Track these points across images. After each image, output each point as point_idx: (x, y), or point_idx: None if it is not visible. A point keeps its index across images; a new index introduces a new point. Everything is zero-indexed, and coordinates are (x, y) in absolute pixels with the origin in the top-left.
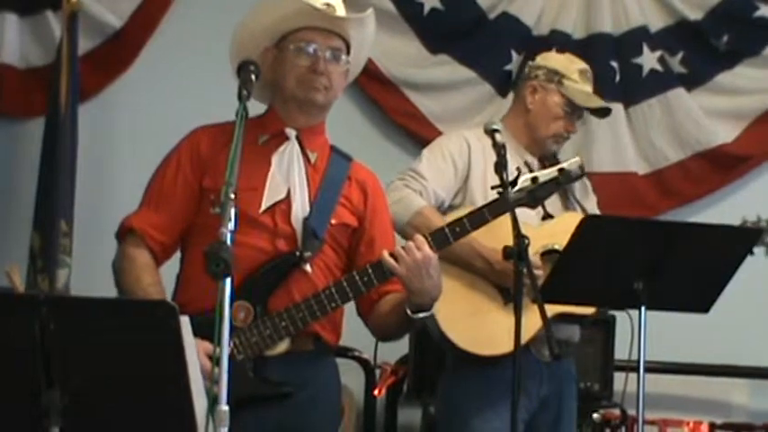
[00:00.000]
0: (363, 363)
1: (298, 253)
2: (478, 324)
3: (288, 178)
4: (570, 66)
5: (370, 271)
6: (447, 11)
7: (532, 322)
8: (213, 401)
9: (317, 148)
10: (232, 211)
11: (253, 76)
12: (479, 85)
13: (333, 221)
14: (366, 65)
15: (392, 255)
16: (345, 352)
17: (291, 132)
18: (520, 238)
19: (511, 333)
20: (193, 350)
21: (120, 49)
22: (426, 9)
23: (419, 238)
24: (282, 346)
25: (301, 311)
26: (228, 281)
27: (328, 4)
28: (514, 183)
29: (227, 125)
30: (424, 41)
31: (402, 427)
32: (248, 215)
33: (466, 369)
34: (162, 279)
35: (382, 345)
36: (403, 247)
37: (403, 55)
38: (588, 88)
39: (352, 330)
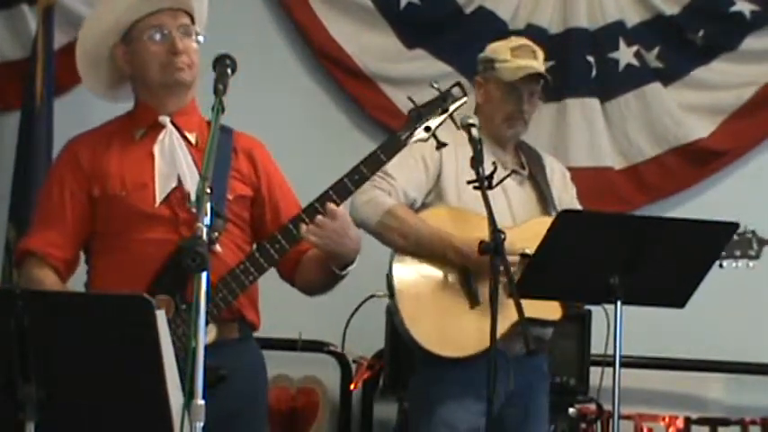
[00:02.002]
0: (339, 357)
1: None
2: (445, 326)
3: (175, 165)
4: (502, 47)
5: (279, 237)
6: (423, 5)
7: (503, 321)
8: (189, 396)
9: (194, 128)
10: (208, 206)
11: (229, 70)
12: (455, 80)
13: (230, 197)
14: (342, 59)
15: (312, 234)
16: (321, 347)
17: (165, 119)
18: (496, 232)
19: (476, 335)
20: (169, 344)
21: None
22: (402, 3)
23: (329, 206)
24: (210, 336)
25: (220, 291)
26: (204, 275)
27: None
28: (491, 177)
29: (100, 129)
30: (400, 36)
31: (378, 422)
32: (145, 211)
33: (433, 367)
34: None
35: (358, 339)
36: (315, 222)
37: (379, 49)
38: (522, 62)
39: (328, 325)
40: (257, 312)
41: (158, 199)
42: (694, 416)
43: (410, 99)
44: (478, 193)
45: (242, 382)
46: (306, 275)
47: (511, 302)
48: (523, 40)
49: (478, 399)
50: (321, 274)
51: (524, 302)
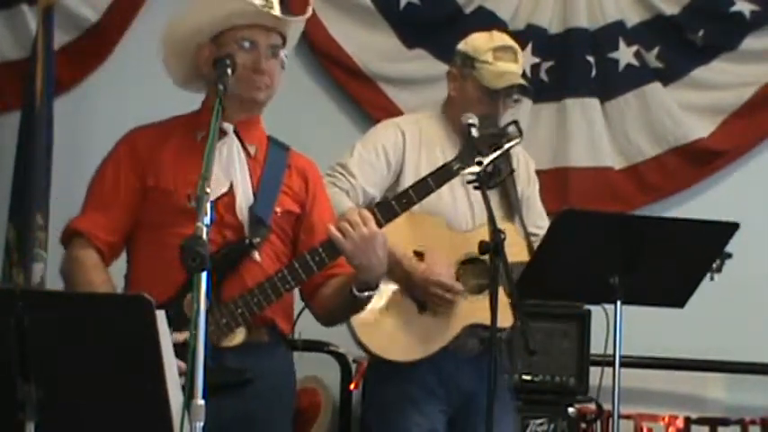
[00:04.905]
0: (339, 357)
1: (247, 240)
2: (394, 330)
3: (229, 172)
4: (484, 46)
5: (320, 250)
6: (423, 5)
7: (452, 326)
8: (189, 395)
9: (255, 140)
10: (208, 206)
11: (229, 71)
12: None
13: (277, 210)
14: (341, 59)
15: (338, 229)
16: (322, 347)
17: (229, 127)
18: (496, 232)
19: (425, 340)
20: (169, 344)
21: (96, 43)
22: (402, 3)
23: (365, 213)
24: (239, 337)
25: (256, 296)
26: (204, 275)
27: (267, 1)
28: (491, 176)
29: (163, 124)
30: (400, 36)
31: None
32: (191, 209)
33: (386, 371)
34: (112, 278)
35: None
36: (349, 222)
37: (379, 49)
38: (504, 66)
39: None
40: (290, 323)
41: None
42: (694, 416)
43: (468, 129)
44: (436, 192)
45: (267, 385)
46: (325, 299)
47: (463, 304)
48: (505, 39)
49: (433, 398)
50: (340, 297)
51: (477, 307)
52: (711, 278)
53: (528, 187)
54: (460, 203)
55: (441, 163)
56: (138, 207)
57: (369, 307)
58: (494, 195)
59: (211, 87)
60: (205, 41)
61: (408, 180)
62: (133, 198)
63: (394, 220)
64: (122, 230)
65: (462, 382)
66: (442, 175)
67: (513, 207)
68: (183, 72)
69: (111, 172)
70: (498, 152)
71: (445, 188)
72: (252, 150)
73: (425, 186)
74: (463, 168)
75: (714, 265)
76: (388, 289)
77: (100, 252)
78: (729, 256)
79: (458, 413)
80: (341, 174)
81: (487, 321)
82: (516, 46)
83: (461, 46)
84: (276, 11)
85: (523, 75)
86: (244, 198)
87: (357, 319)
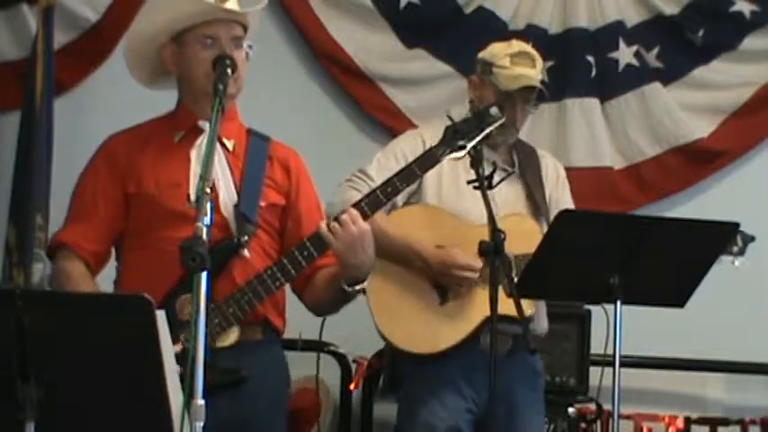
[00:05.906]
0: (339, 357)
1: (235, 239)
2: (417, 323)
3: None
4: (501, 52)
5: (308, 245)
6: (423, 5)
7: (474, 315)
8: (189, 395)
9: (233, 134)
10: (208, 206)
11: (229, 70)
12: (455, 80)
13: (262, 204)
14: (341, 59)
15: (329, 229)
16: (322, 347)
17: (205, 124)
18: (496, 232)
19: (448, 331)
20: (170, 345)
21: (96, 43)
22: (402, 3)
23: (352, 211)
24: (232, 337)
25: (246, 295)
26: (204, 275)
27: None
28: (491, 177)
29: (139, 128)
30: (400, 36)
31: (378, 422)
32: (177, 211)
33: (411, 365)
34: (100, 286)
35: (359, 339)
36: (337, 221)
37: (379, 49)
38: (520, 70)
39: (329, 325)
40: (283, 319)
41: (191, 198)
42: (694, 416)
43: (448, 116)
44: (457, 192)
45: (262, 384)
46: (315, 291)
47: (484, 294)
48: (523, 46)
49: (459, 396)
50: (330, 291)
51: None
52: (733, 262)
53: (556, 191)
54: (479, 199)
55: (461, 168)
56: (120, 215)
57: (391, 300)
58: (520, 193)
59: (184, 86)
60: (166, 42)
61: (430, 185)
62: (114, 206)
63: (380, 209)
64: (107, 239)
65: (489, 382)
66: (426, 161)
67: (538, 208)
68: (147, 72)
69: (90, 182)
70: (481, 135)
71: (464, 185)
72: (230, 145)
73: (410, 173)
74: (447, 153)
75: (736, 248)
76: (410, 282)
77: (86, 262)
78: (753, 239)
79: (485, 413)
80: (359, 177)
81: (508, 312)
82: (535, 53)
83: (481, 54)
84: (231, 3)
85: (543, 83)
86: (227, 194)
87: (379, 313)
